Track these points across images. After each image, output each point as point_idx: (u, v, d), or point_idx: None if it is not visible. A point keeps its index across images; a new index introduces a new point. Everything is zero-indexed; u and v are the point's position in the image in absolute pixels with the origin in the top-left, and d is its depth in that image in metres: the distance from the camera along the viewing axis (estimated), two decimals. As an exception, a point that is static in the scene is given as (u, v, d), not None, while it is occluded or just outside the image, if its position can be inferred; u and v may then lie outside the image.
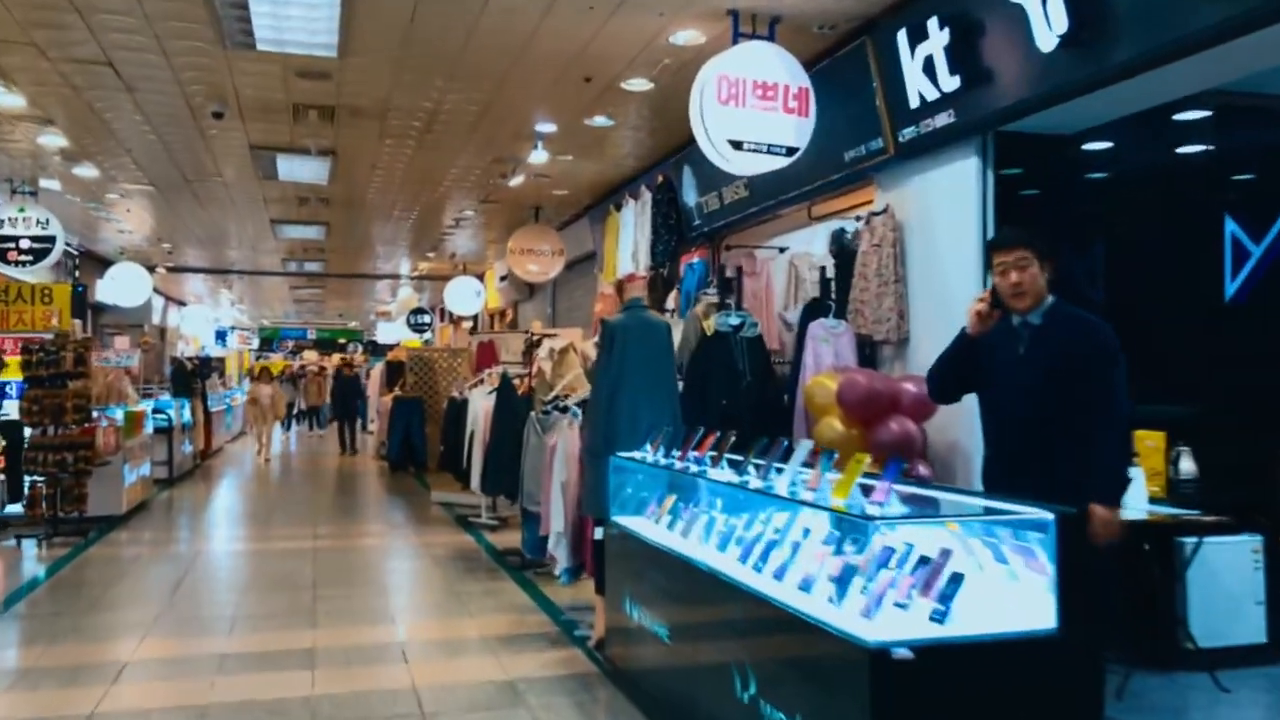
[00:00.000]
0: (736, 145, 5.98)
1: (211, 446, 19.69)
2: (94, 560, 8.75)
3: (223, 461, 18.96)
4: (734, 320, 6.19)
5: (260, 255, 18.12)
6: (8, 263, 10.83)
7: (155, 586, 7.84)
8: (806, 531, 3.96)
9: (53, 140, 9.33)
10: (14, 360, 9.99)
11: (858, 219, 6.79)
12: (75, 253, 16.74)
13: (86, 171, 10.61)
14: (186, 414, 16.71)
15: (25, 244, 10.83)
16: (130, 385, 12.66)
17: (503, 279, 18.21)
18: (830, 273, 7.14)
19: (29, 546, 9.43)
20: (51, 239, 10.89)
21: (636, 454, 5.52)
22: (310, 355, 37.83)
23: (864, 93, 6.35)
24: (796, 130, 6.21)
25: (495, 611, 7.02)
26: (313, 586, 7.80)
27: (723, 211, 8.90)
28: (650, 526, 5.16)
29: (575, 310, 14.81)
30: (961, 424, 5.75)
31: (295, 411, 25.54)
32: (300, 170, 9.96)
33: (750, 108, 5.99)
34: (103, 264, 17.19)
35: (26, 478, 9.55)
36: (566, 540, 6.50)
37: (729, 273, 8.77)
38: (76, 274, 16.79)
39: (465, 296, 18.86)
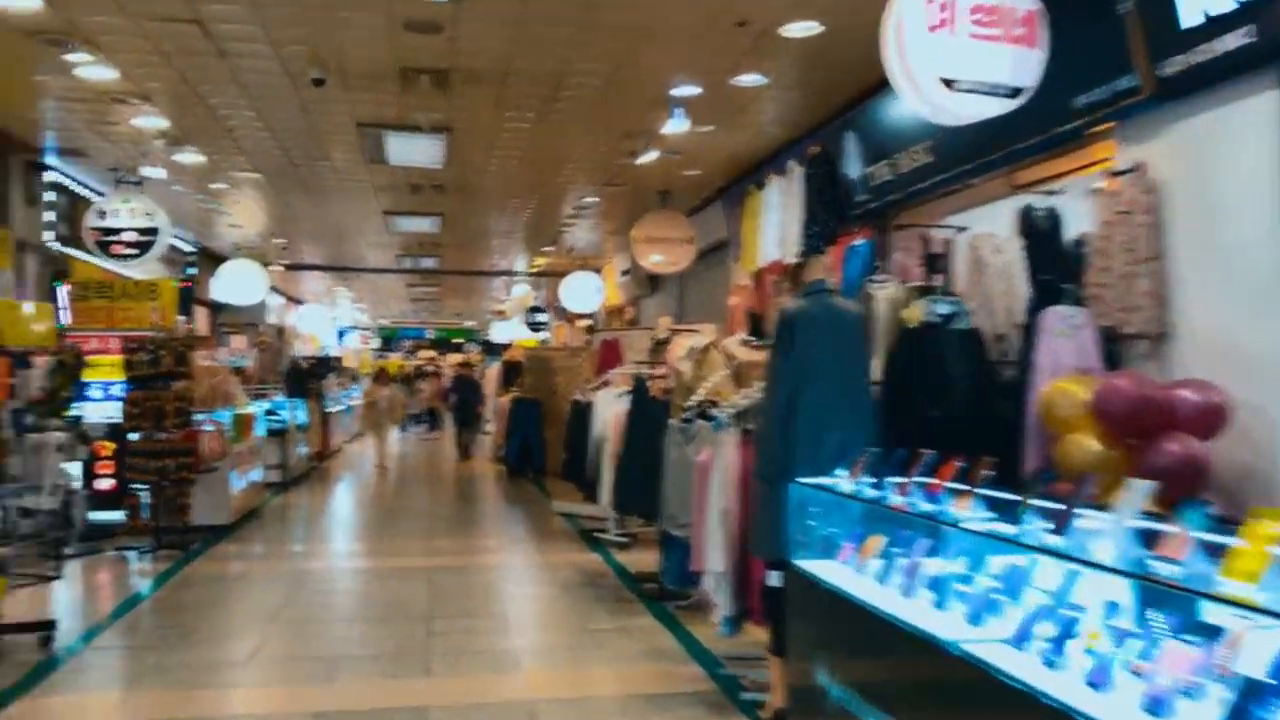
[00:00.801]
0: (949, 84, 4.69)
1: (329, 448, 19.25)
2: (192, 580, 7.98)
3: (339, 464, 18.46)
4: (944, 309, 4.89)
5: (375, 250, 17.50)
6: (111, 256, 10.26)
7: (253, 614, 6.98)
8: (1113, 607, 2.69)
9: (152, 122, 8.63)
10: (116, 360, 9.38)
11: (1095, 181, 5.39)
12: (192, 250, 16.40)
13: (190, 157, 9.94)
14: (301, 415, 16.20)
15: (130, 236, 10.25)
16: (239, 386, 12.05)
17: (624, 273, 17.16)
18: (1018, 255, 5.77)
19: (130, 560, 8.76)
20: (155, 231, 10.28)
21: (825, 480, 4.30)
22: (427, 355, 37.68)
23: (1107, 15, 4.98)
24: (1022, 65, 4.87)
25: (637, 659, 5.89)
26: (427, 618, 6.82)
27: (897, 183, 7.57)
28: (849, 576, 3.93)
29: (705, 305, 13.60)
30: (1256, 441, 4.33)
31: (411, 413, 24.94)
32: (411, 151, 9.04)
33: (966, 36, 4.69)
34: (219, 261, 16.79)
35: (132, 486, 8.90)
36: (728, 583, 5.31)
37: (902, 253, 7.45)
38: (191, 271, 16.45)
39: (583, 293, 17.87)
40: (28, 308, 5.98)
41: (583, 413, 10.33)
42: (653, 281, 16.59)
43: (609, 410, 9.31)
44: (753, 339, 7.99)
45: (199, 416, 10.06)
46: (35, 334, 5.94)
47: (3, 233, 9.56)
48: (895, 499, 3.72)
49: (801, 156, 9.02)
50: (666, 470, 6.99)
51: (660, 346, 11.55)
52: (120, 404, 8.95)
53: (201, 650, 5.99)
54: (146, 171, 9.96)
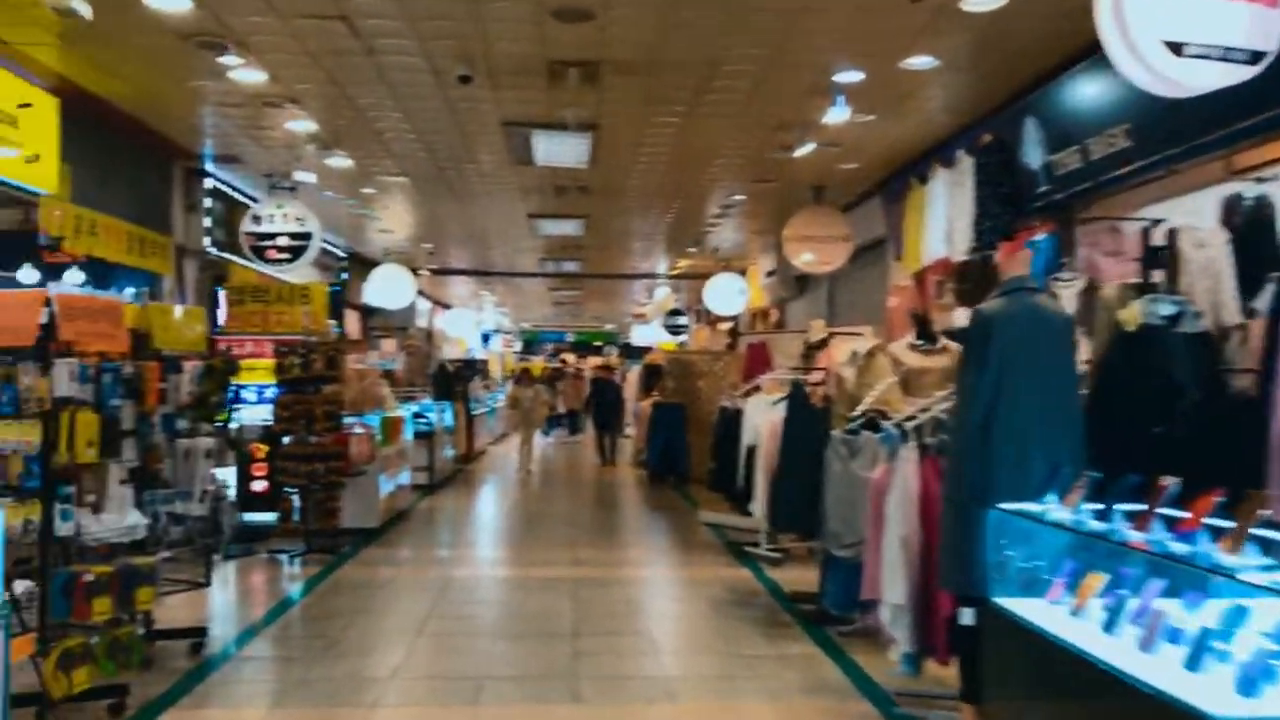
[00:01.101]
0: (1175, 49, 4.03)
1: (474, 450, 19.39)
2: (340, 586, 7.91)
3: (484, 466, 18.56)
4: (1168, 309, 4.21)
5: (519, 255, 17.51)
6: (267, 261, 10.42)
7: (398, 625, 6.80)
8: None
9: (302, 125, 8.65)
10: (270, 364, 9.49)
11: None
12: (344, 255, 16.74)
13: (340, 161, 9.98)
14: (448, 417, 16.30)
15: (283, 241, 10.39)
16: (388, 389, 12.11)
17: (769, 275, 16.62)
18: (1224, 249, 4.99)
19: (282, 564, 8.80)
20: (308, 236, 10.39)
21: (1031, 506, 3.73)
22: (568, 358, 37.93)
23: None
24: (1263, 25, 4.16)
25: (798, 691, 5.40)
26: (573, 635, 6.49)
27: (1086, 171, 6.82)
28: (1063, 619, 3.36)
29: (857, 307, 12.95)
30: None
31: (552, 415, 24.79)
32: (558, 150, 8.78)
33: (1196, -9, 4.03)
34: (370, 266, 17.12)
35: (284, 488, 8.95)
36: (908, 616, 4.76)
37: (1088, 248, 6.70)
38: (344, 276, 16.79)
39: (727, 295, 17.40)
40: (179, 312, 5.90)
41: (731, 420, 9.88)
42: (800, 283, 15.99)
43: (761, 418, 8.82)
44: (921, 343, 7.40)
45: (348, 420, 10.10)
46: (187, 338, 5.87)
47: (164, 239, 9.81)
48: (1132, 534, 3.13)
49: (971, 146, 8.32)
50: (828, 485, 6.48)
51: (813, 351, 11.00)
52: (272, 407, 9.01)
53: (346, 663, 5.83)
54: (299, 176, 10.06)
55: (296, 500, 8.90)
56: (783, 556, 9.10)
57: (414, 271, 18.53)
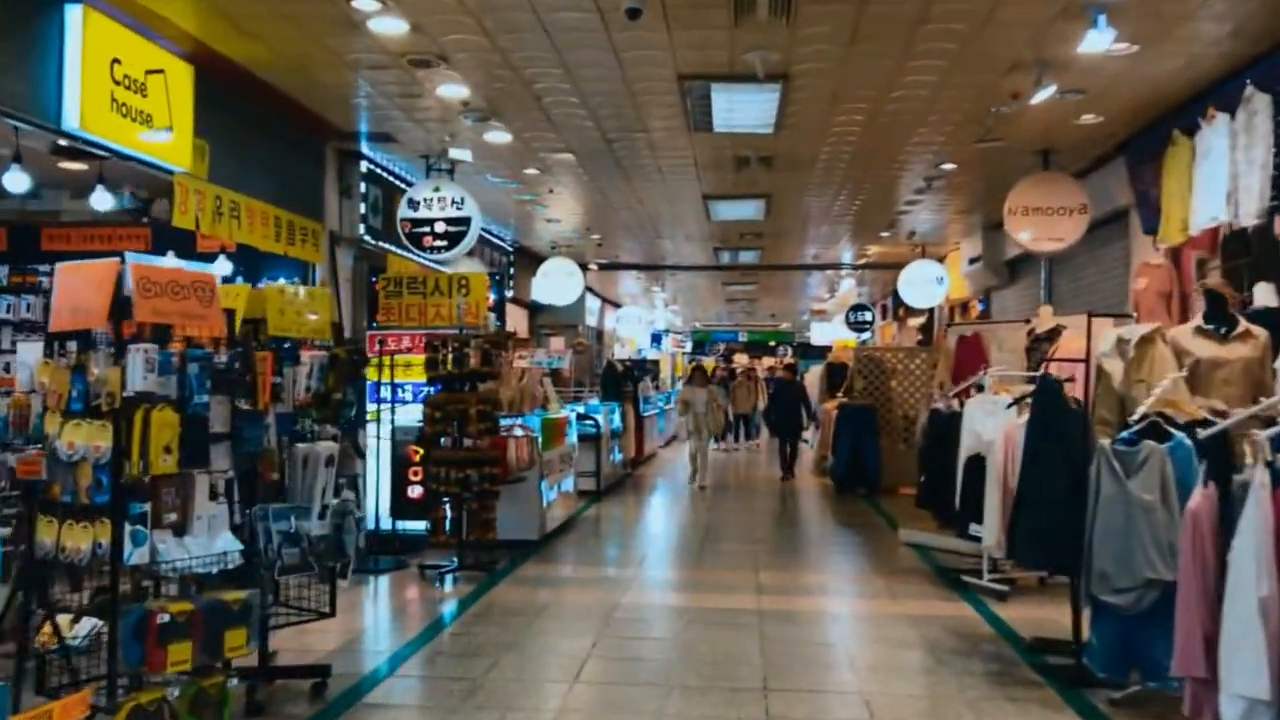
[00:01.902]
0: None
1: (643, 453, 18.41)
2: (491, 612, 6.92)
3: (654, 470, 17.51)
4: None
5: (692, 245, 16.34)
6: (423, 249, 9.65)
7: (554, 667, 5.72)
8: None
9: (454, 91, 7.73)
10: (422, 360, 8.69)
11: None
12: (510, 249, 16.04)
13: (498, 136, 9.06)
14: (616, 419, 15.32)
15: (440, 227, 9.59)
16: (551, 388, 11.18)
17: (972, 261, 14.81)
18: None
19: (431, 581, 7.93)
20: (467, 221, 9.55)
21: None
22: (740, 359, 36.59)
23: None
24: None
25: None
26: (761, 690, 5.23)
27: None
28: None
29: (1085, 293, 11.09)
30: None
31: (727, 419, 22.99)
32: (741, 109, 7.54)
33: None
34: (537, 261, 16.39)
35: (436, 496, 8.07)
36: (1272, 713, 3.25)
37: None
38: (510, 270, 16.09)
39: (923, 285, 15.71)
40: (301, 293, 4.98)
41: (945, 425, 8.36)
42: (1010, 269, 14.14)
43: (988, 424, 7.30)
44: (1213, 327, 5.80)
45: (506, 421, 9.18)
46: (309, 324, 4.94)
47: (316, 225, 9.15)
48: None
49: (1268, 79, 6.54)
50: (1095, 511, 5.03)
51: (1041, 343, 9.31)
52: (422, 407, 8.16)
53: (483, 715, 4.77)
54: (456, 154, 9.20)
55: (449, 510, 7.99)
56: (1009, 589, 7.57)
57: (582, 267, 17.70)
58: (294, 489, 4.82)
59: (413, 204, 9.66)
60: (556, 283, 15.98)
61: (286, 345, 4.93)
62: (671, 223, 14.05)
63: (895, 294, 23.90)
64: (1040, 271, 12.58)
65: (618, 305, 26.34)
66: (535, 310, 18.64)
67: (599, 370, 17.28)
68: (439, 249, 9.64)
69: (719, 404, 14.69)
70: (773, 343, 41.20)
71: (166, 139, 6.48)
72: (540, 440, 9.76)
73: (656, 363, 29.49)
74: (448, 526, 7.94)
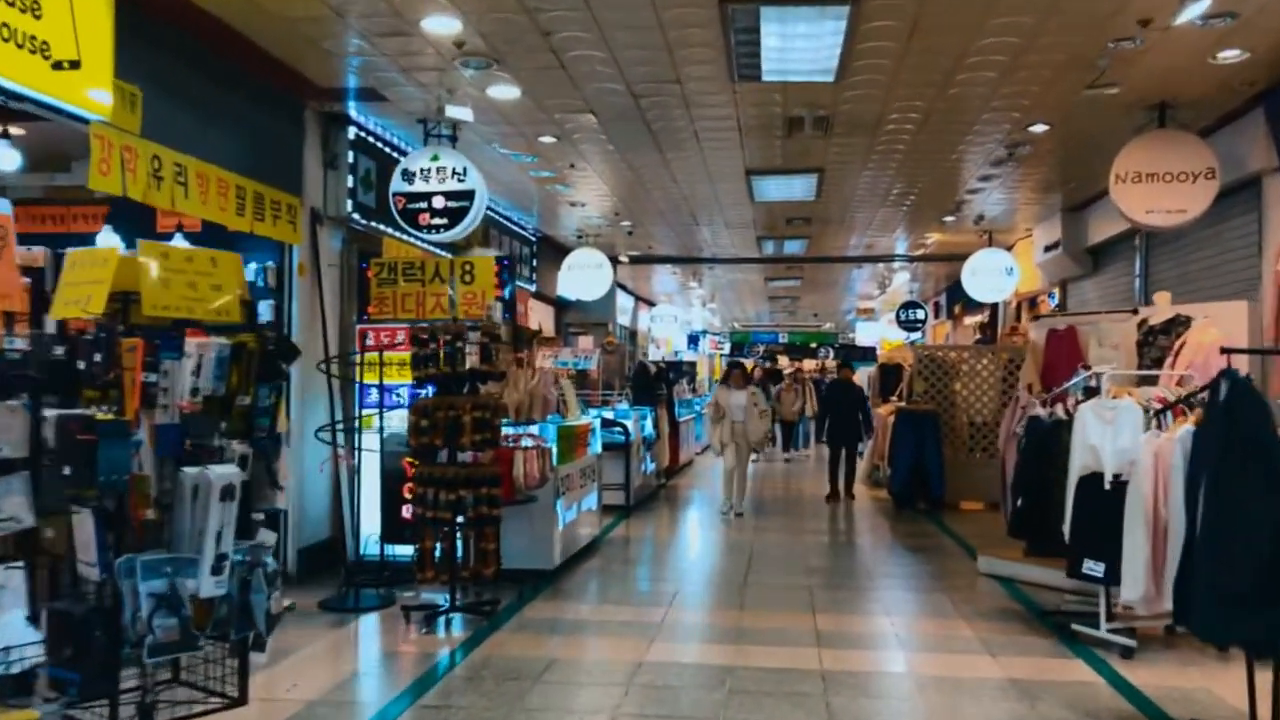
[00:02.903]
0: None
1: (678, 462, 16.95)
2: (484, 671, 5.48)
3: (690, 481, 16.02)
4: None
5: (731, 234, 14.81)
6: (419, 227, 8.26)
7: (552, 766, 4.27)
8: None
9: (445, 25, 6.30)
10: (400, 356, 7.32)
11: None
12: (533, 237, 14.62)
13: (506, 91, 7.65)
14: (648, 426, 13.86)
15: (439, 202, 8.20)
16: (570, 391, 9.74)
17: (1048, 249, 13.16)
18: None
19: (414, 626, 6.52)
20: (469, 195, 8.15)
21: None
22: (781, 361, 34.94)
23: None
24: None
25: None
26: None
27: None
28: None
29: (1198, 280, 9.45)
30: None
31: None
32: (797, 48, 6.04)
33: None
34: (562, 252, 14.97)
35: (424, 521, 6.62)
36: None
37: None
38: (534, 262, 14.68)
39: (990, 276, 14.07)
40: (189, 256, 3.56)
41: (1048, 437, 6.81)
42: (1094, 256, 12.49)
43: (1109, 435, 5.77)
44: None
45: (513, 430, 7.75)
46: (207, 301, 3.52)
47: (292, 200, 7.78)
48: None
49: None
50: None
51: (1157, 336, 7.73)
52: (406, 415, 6.73)
53: None
54: (454, 112, 7.75)
55: (440, 539, 6.56)
56: (1134, 644, 6.04)
57: (613, 260, 16.27)
58: (179, 532, 3.41)
59: (407, 175, 8.26)
60: (584, 276, 14.55)
61: (172, 330, 3.52)
62: (710, 206, 12.54)
63: (950, 290, 22.28)
64: (1135, 256, 10.93)
65: (652, 304, 24.88)
66: (562, 307, 17.23)
67: (630, 372, 15.80)
68: (437, 228, 8.23)
69: (762, 410, 11.68)
70: (814, 344, 39.51)
71: (72, 76, 5.11)
72: (555, 452, 8.33)
73: (694, 364, 27.97)
74: (437, 559, 6.50)
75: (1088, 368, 7.85)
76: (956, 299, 21.31)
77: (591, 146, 9.43)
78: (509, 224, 13.38)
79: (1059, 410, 6.93)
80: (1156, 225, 7.75)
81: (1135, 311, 8.12)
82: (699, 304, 27.04)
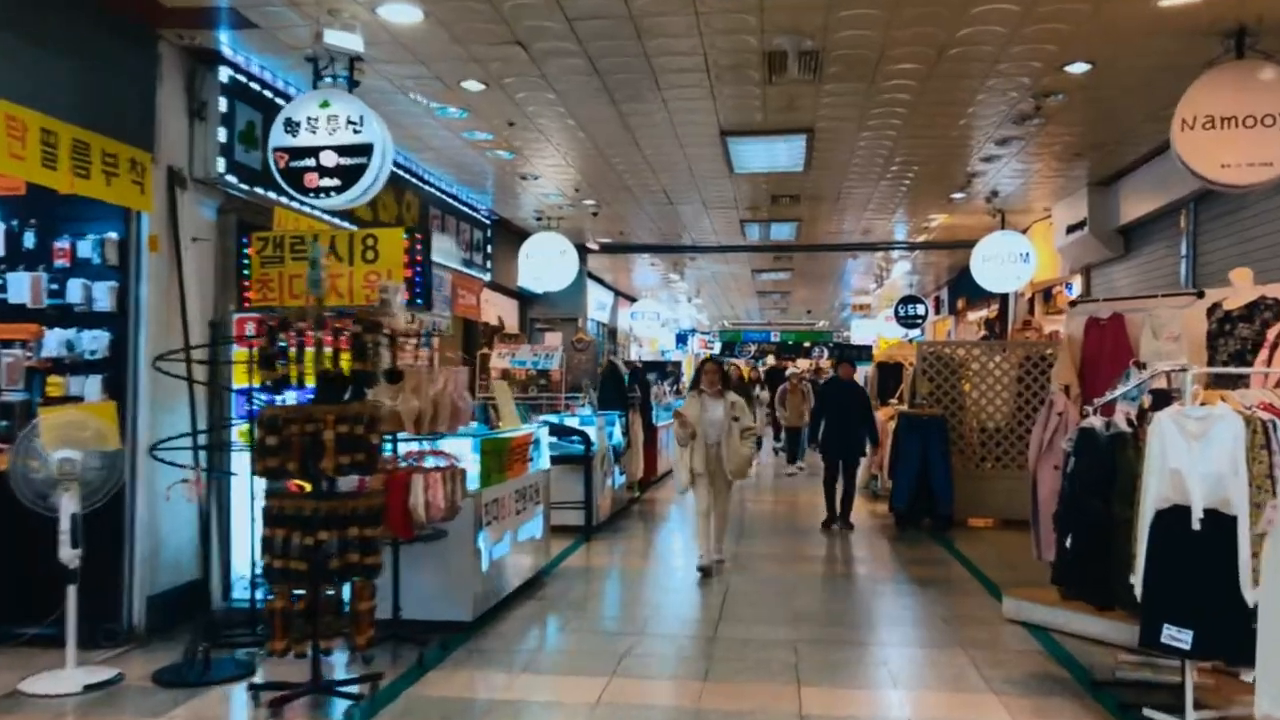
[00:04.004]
0: None
1: (655, 472, 15.29)
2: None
3: (668, 493, 14.35)
4: None
5: (712, 216, 13.14)
6: (305, 191, 6.62)
7: None
8: None
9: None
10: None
11: None
12: (487, 219, 12.96)
13: (404, 12, 5.99)
14: (617, 433, 12.21)
15: (329, 159, 6.56)
16: (507, 396, 8.07)
17: (1071, 229, 11.52)
18: None
19: (264, 715, 4.86)
20: (367, 149, 6.51)
21: None
22: (771, 361, 33.30)
23: None
24: None
25: None
26: None
27: None
28: None
29: (1260, 264, 7.77)
30: None
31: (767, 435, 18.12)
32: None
33: None
34: (522, 238, 13.27)
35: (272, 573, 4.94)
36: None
37: None
38: (489, 248, 13.02)
39: (1003, 263, 12.43)
40: None
41: (1104, 456, 5.18)
42: (1125, 237, 10.87)
43: (1216, 458, 4.17)
44: None
45: (413, 447, 6.10)
46: None
47: (140, 155, 6.11)
48: None
49: None
50: None
51: (1237, 324, 6.09)
52: (253, 429, 5.04)
53: None
54: (334, 39, 6.04)
55: (285, 602, 4.88)
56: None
57: (581, 249, 14.66)
58: None
59: (290, 126, 6.58)
60: (545, 263, 12.90)
61: None
62: (684, 180, 10.86)
63: (953, 283, 20.68)
64: (1181, 236, 9.29)
65: (633, 299, 23.22)
66: (527, 300, 15.58)
67: (599, 371, 14.13)
68: (327, 190, 6.57)
69: (746, 428, 8.29)
70: (808, 343, 37.92)
71: None
72: (478, 472, 6.68)
73: (678, 364, 26.29)
74: (291, 625, 4.82)
75: (1141, 365, 6.24)
76: (960, 292, 19.70)
77: (529, 96, 7.76)
78: (458, 204, 11.73)
79: (1119, 420, 5.29)
80: (1234, 184, 6.11)
81: (1201, 294, 6.48)
82: (685, 300, 25.38)
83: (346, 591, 4.93)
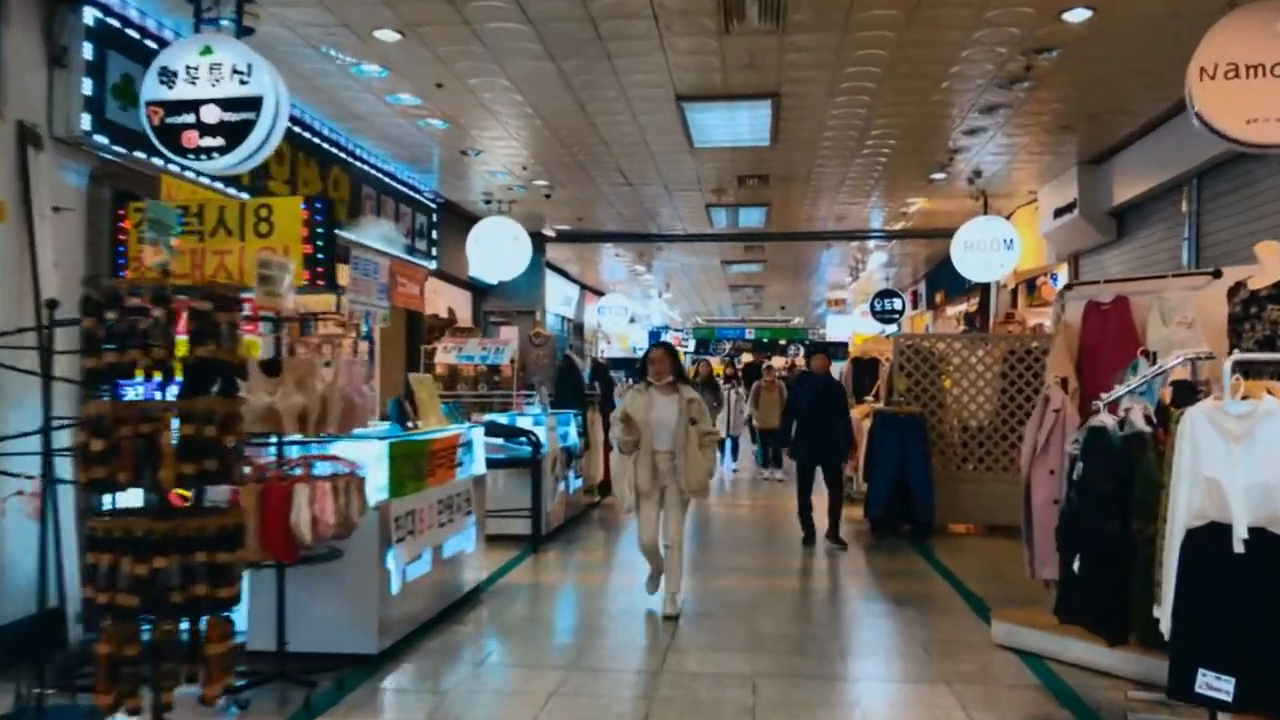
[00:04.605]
0: None
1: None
2: None
3: (628, 500, 13.44)
4: None
5: (677, 201, 12.25)
6: (183, 152, 5.67)
7: None
8: None
9: None
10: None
11: None
12: (431, 204, 12.02)
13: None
14: (572, 433, 11.30)
15: (210, 115, 5.62)
16: (427, 389, 7.12)
17: (1060, 212, 10.70)
18: None
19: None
20: (255, 102, 5.57)
21: None
22: (747, 358, 32.45)
23: None
24: None
25: None
26: None
27: None
28: None
29: (1259, 240, 6.95)
30: None
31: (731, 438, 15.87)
32: None
33: None
34: (473, 224, 12.29)
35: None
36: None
37: None
38: (434, 234, 12.07)
39: (986, 251, 11.60)
40: None
41: (1119, 461, 4.32)
42: (1118, 220, 10.07)
43: (1265, 464, 3.31)
44: None
45: (302, 450, 5.18)
46: None
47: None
48: None
49: None
50: None
51: (1266, 305, 5.25)
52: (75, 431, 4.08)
53: None
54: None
55: (114, 647, 3.93)
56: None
57: (536, 237, 13.77)
58: None
59: (166, 76, 5.63)
60: (495, 250, 11.96)
61: None
62: (640, 155, 9.96)
63: (931, 276, 19.90)
64: (1182, 218, 8.48)
65: (601, 294, 22.31)
66: (481, 291, 14.64)
67: (557, 367, 13.17)
68: (208, 151, 5.62)
69: (707, 433, 6.70)
70: (783, 341, 37.13)
71: None
72: (389, 480, 5.75)
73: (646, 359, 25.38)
74: (118, 674, 3.87)
75: (1149, 354, 5.42)
76: (938, 286, 18.93)
77: (456, 51, 6.82)
78: (397, 185, 10.78)
79: (1134, 418, 4.43)
80: (1262, 142, 5.26)
81: (1219, 273, 5.65)
82: (655, 295, 24.49)
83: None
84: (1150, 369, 4.91)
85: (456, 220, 12.53)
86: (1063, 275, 11.91)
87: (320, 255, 5.94)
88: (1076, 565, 4.31)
